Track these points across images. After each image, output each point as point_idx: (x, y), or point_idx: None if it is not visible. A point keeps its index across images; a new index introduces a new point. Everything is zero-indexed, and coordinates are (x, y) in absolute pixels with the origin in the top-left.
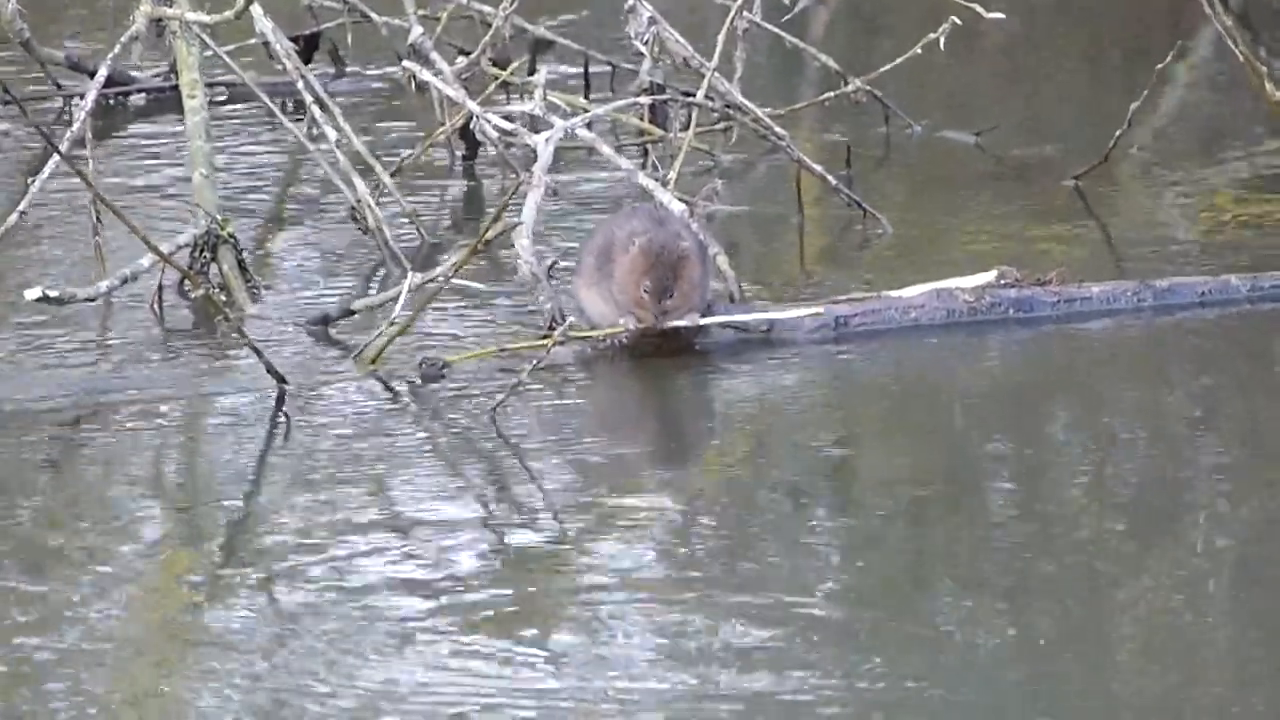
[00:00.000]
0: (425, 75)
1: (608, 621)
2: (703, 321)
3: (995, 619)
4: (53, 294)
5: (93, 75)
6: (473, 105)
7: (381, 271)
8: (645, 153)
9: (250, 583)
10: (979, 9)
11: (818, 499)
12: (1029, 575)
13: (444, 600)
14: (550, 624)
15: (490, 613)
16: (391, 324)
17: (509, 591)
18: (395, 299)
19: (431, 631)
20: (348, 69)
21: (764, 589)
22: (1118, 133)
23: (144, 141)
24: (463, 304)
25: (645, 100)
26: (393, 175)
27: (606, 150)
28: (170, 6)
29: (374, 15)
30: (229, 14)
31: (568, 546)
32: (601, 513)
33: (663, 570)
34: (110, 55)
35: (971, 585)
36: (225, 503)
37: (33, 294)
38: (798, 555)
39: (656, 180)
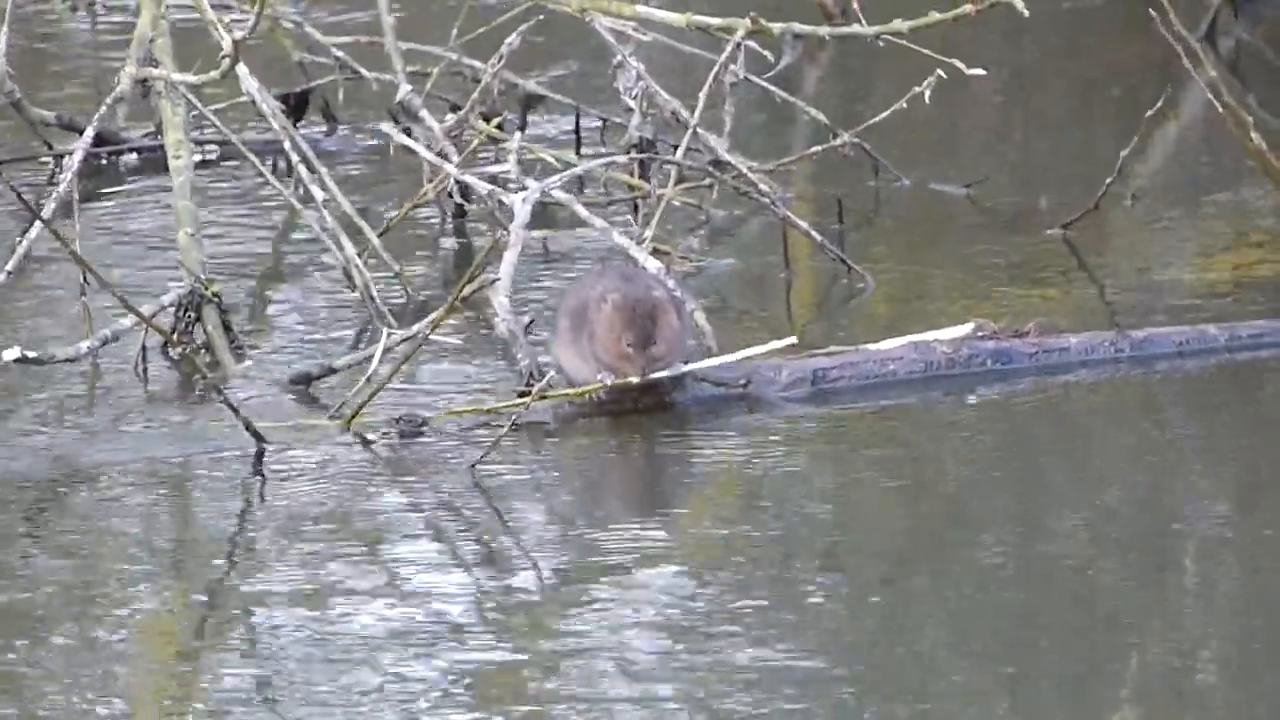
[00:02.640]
0: (402, 139)
1: (596, 679)
2: (686, 368)
3: (989, 675)
4: (31, 355)
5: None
6: (450, 168)
7: (369, 330)
8: (635, 208)
9: (234, 644)
10: (959, 65)
11: (804, 553)
12: (1021, 626)
13: (429, 658)
14: (535, 680)
15: (474, 664)
16: (368, 381)
17: (495, 647)
18: (379, 355)
19: (420, 695)
20: (341, 126)
21: (752, 647)
22: (1108, 180)
23: (135, 200)
24: (445, 360)
25: (622, 158)
26: (381, 235)
27: (582, 211)
28: (155, 67)
29: (365, 72)
30: (214, 74)
31: (552, 604)
32: (587, 570)
33: (649, 625)
34: (96, 115)
35: (965, 641)
36: (205, 563)
37: (11, 355)
38: (786, 612)
39: (632, 239)
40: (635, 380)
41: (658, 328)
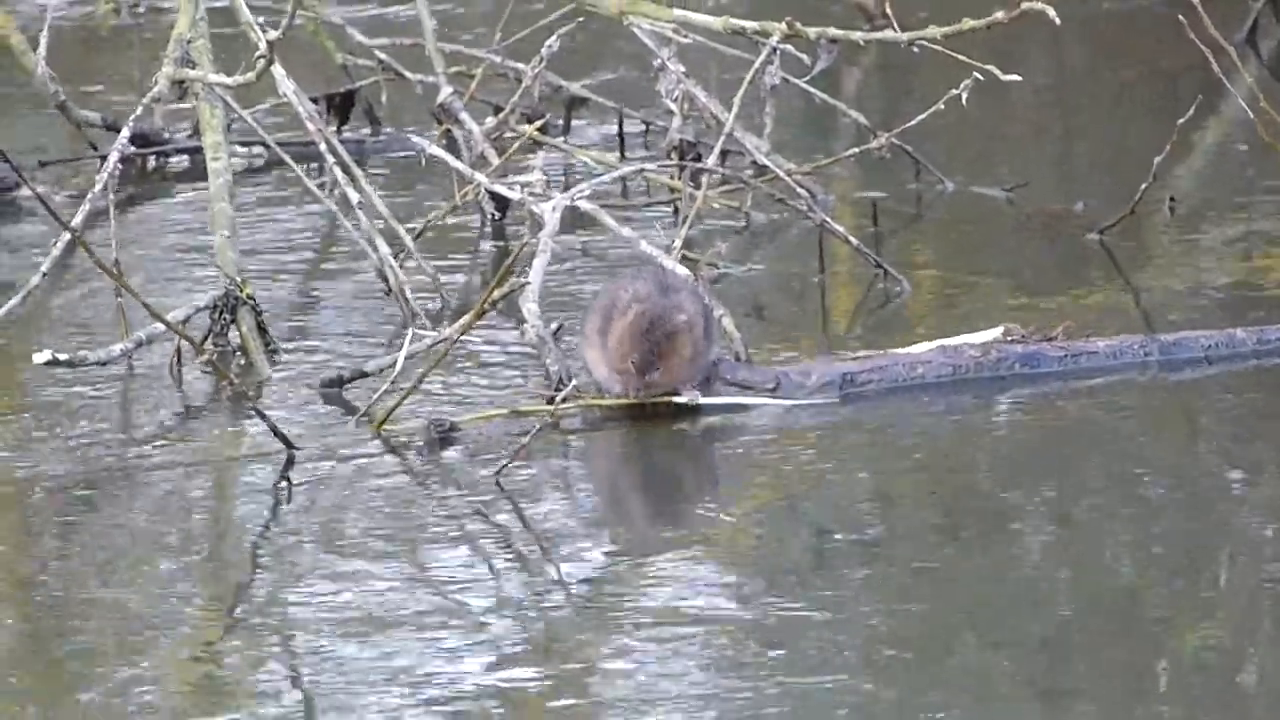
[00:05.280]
0: (431, 149)
1: (636, 684)
2: (699, 400)
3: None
4: (62, 357)
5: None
6: (481, 178)
7: (404, 333)
8: (675, 210)
9: (264, 650)
10: (996, 71)
11: (840, 554)
12: (1061, 629)
13: (461, 665)
14: (571, 687)
15: (509, 674)
16: (393, 383)
17: (529, 654)
18: (407, 359)
19: (457, 699)
20: (386, 128)
21: (794, 649)
22: (1143, 186)
23: (182, 201)
24: (477, 363)
25: (652, 166)
26: (416, 238)
27: (609, 220)
28: (193, 68)
29: (407, 74)
30: (250, 75)
31: (584, 606)
32: (617, 574)
33: (689, 630)
34: (132, 117)
35: (1004, 642)
36: (234, 569)
37: (41, 357)
38: (822, 609)
39: (660, 248)
40: (632, 398)
41: (664, 355)
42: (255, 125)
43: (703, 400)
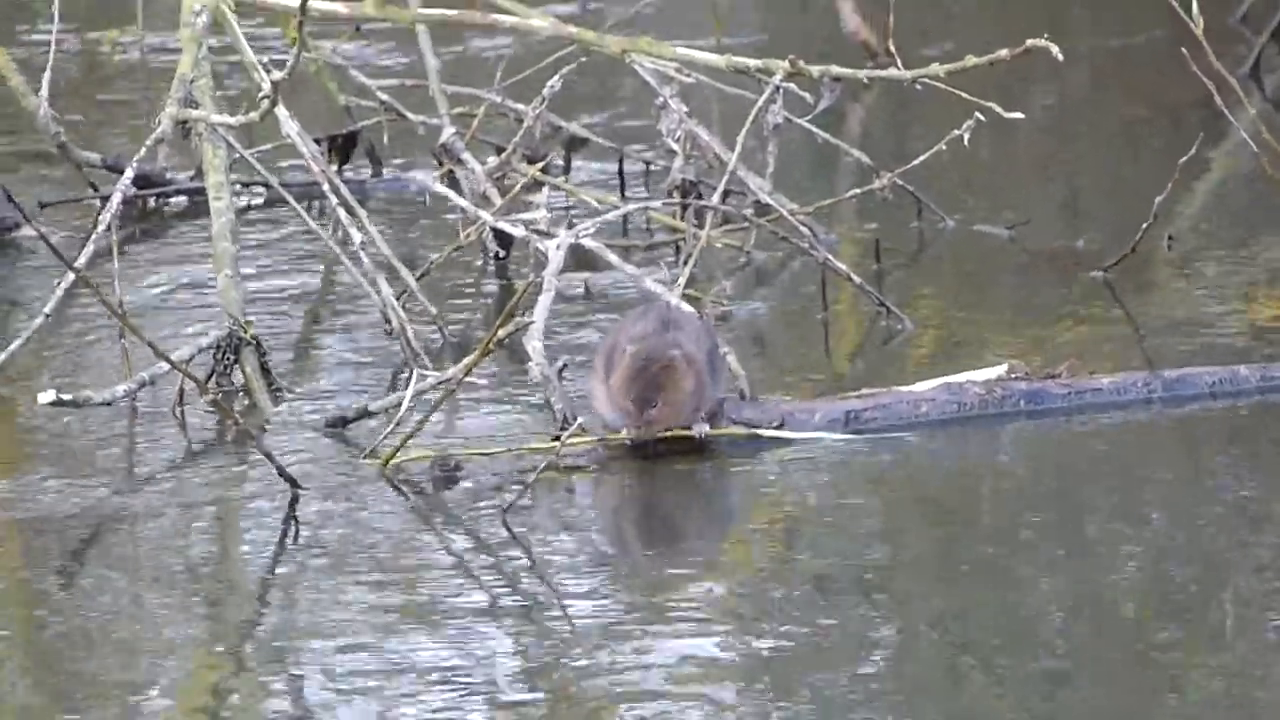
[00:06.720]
0: (436, 187)
1: (637, 717)
2: (703, 431)
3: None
4: (66, 398)
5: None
6: (486, 216)
7: (406, 373)
8: (677, 249)
9: (271, 689)
10: (997, 109)
11: (844, 590)
12: (1065, 665)
13: (466, 705)
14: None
15: (514, 713)
16: (397, 423)
17: (533, 692)
18: (412, 398)
19: None
20: (389, 167)
21: (797, 683)
22: (1144, 226)
23: (183, 242)
24: (485, 401)
25: (656, 203)
26: (420, 278)
27: (612, 258)
28: (195, 108)
29: (409, 114)
30: (253, 115)
31: (588, 648)
32: (621, 614)
33: (693, 665)
34: (135, 157)
35: (1007, 677)
36: (239, 608)
37: (46, 398)
38: (828, 647)
39: (664, 284)
40: (633, 438)
41: (663, 390)
42: (257, 165)
43: (714, 433)
